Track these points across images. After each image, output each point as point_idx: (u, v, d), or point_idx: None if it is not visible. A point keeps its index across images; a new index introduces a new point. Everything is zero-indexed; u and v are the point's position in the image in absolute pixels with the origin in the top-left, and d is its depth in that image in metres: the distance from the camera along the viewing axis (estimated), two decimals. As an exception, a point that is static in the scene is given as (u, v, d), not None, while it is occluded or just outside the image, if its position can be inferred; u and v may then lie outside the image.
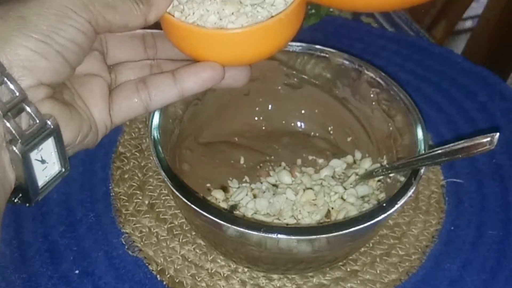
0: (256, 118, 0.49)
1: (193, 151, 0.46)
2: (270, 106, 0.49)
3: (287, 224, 0.40)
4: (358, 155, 0.47)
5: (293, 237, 0.34)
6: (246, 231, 0.34)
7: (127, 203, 0.45)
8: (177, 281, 0.41)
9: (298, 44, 0.45)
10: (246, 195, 0.42)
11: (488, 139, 0.32)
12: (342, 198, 0.42)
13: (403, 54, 0.61)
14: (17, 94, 0.28)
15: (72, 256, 0.42)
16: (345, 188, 0.43)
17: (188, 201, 0.35)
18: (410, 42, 0.63)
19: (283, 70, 0.47)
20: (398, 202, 0.35)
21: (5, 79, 0.27)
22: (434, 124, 0.53)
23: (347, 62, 0.45)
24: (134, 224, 0.44)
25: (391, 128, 0.43)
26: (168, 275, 0.41)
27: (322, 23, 0.63)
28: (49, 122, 0.29)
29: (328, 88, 0.47)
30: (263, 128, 0.49)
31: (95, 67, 0.34)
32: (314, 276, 0.41)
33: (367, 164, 0.45)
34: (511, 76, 0.84)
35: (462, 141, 0.34)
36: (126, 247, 0.43)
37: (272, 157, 0.47)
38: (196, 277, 0.41)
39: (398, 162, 0.40)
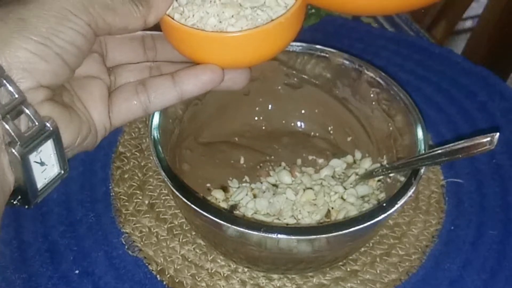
0: (256, 118, 0.49)
1: (193, 151, 0.46)
2: (270, 106, 0.49)
3: (287, 224, 0.40)
4: (358, 155, 0.47)
5: (293, 237, 0.34)
6: (246, 231, 0.34)
7: (127, 203, 0.45)
8: (177, 281, 0.41)
9: (298, 44, 0.45)
10: (246, 195, 0.42)
11: (488, 139, 0.32)
12: (342, 198, 0.42)
13: (403, 54, 0.61)
14: (16, 96, 0.28)
15: (72, 256, 0.42)
16: (345, 188, 0.43)
17: (188, 201, 0.35)
18: (410, 42, 0.63)
19: (283, 70, 0.47)
20: (398, 202, 0.35)
21: (4, 81, 0.27)
22: (434, 124, 0.53)
23: (347, 62, 0.45)
24: (134, 224, 0.44)
25: (391, 128, 0.43)
26: (168, 275, 0.41)
27: (322, 23, 0.63)
28: (48, 124, 0.29)
29: (328, 88, 0.47)
30: (263, 128, 0.49)
31: (95, 69, 0.34)
32: (314, 276, 0.41)
33: (367, 164, 0.45)
34: (511, 76, 0.84)
35: (462, 141, 0.34)
36: (126, 247, 0.43)
37: (272, 157, 0.47)
38: (196, 277, 0.41)
39: (398, 162, 0.40)
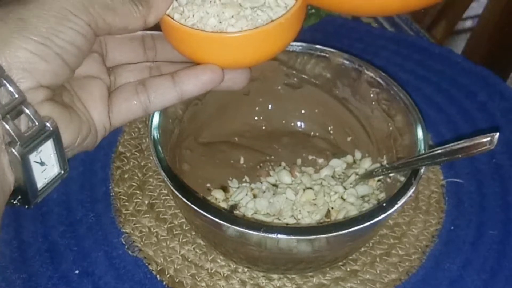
0: (256, 118, 0.49)
1: (193, 151, 0.46)
2: (270, 106, 0.49)
3: (287, 224, 0.40)
4: (358, 155, 0.47)
5: (293, 237, 0.34)
6: (246, 231, 0.34)
7: (127, 203, 0.45)
8: (177, 281, 0.41)
9: (298, 44, 0.45)
10: (246, 195, 0.42)
11: (488, 139, 0.32)
12: (342, 198, 0.42)
13: (403, 54, 0.61)
14: (16, 96, 0.28)
15: (72, 256, 0.42)
16: (345, 188, 0.43)
17: (188, 201, 0.35)
18: (410, 42, 0.63)
19: (283, 70, 0.47)
20: (398, 202, 0.35)
21: (4, 81, 0.27)
22: (434, 124, 0.53)
23: (347, 62, 0.45)
24: (134, 224, 0.44)
25: (391, 128, 0.43)
26: (168, 275, 0.41)
27: (322, 23, 0.63)
28: (48, 124, 0.29)
29: (328, 88, 0.47)
30: (263, 128, 0.49)
31: (95, 69, 0.34)
32: (314, 276, 0.41)
33: (367, 164, 0.45)
34: (511, 76, 0.84)
35: (462, 141, 0.34)
36: (126, 247, 0.43)
37: (272, 157, 0.47)
38: (196, 277, 0.41)
39: (398, 162, 0.40)
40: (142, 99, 0.34)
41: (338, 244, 0.38)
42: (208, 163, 0.46)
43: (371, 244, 0.43)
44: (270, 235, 0.34)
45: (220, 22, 0.33)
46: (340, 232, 0.34)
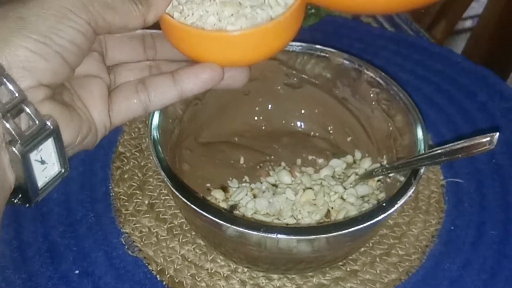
0: (256, 118, 0.49)
1: (193, 151, 0.46)
2: (270, 106, 0.49)
3: (287, 224, 0.40)
4: (358, 155, 0.47)
5: (293, 237, 0.34)
6: (246, 231, 0.34)
7: (127, 203, 0.45)
8: (177, 281, 0.41)
9: (298, 44, 0.45)
10: (246, 195, 0.42)
11: (488, 139, 0.32)
12: (342, 198, 0.42)
13: (403, 54, 0.61)
14: (17, 95, 0.28)
15: (72, 256, 0.42)
16: (345, 188, 0.43)
17: (188, 201, 0.35)
18: (410, 42, 0.63)
19: (283, 70, 0.47)
20: (398, 202, 0.35)
21: (5, 80, 0.27)
22: (434, 124, 0.53)
23: (347, 62, 0.45)
24: (134, 224, 0.44)
25: (391, 128, 0.43)
26: (168, 275, 0.41)
27: (322, 23, 0.63)
28: (48, 123, 0.29)
29: (328, 88, 0.47)
30: (263, 128, 0.49)
31: (94, 68, 0.34)
32: (314, 276, 0.41)
33: (367, 164, 0.45)
34: (511, 76, 0.84)
35: (462, 141, 0.34)
36: (126, 247, 0.43)
37: (272, 157, 0.47)
38: (196, 277, 0.41)
39: (398, 162, 0.40)
40: (142, 98, 0.34)
41: (338, 244, 0.38)
42: (208, 163, 0.46)
43: (371, 244, 0.43)
44: (270, 235, 0.34)
45: (220, 21, 0.33)
46: (340, 232, 0.34)
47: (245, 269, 0.42)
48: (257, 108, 0.49)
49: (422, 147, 0.39)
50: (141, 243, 0.43)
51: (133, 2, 0.32)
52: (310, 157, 0.48)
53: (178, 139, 0.44)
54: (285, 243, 0.35)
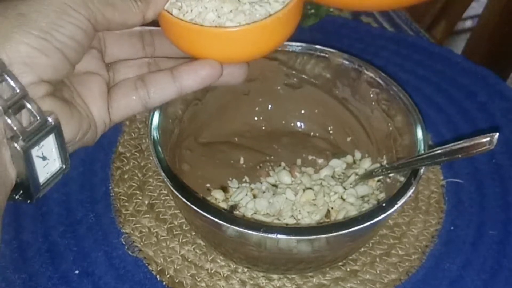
0: (256, 118, 0.49)
1: (193, 151, 0.46)
2: (270, 106, 0.49)
3: (287, 224, 0.40)
4: (358, 155, 0.47)
5: (293, 237, 0.34)
6: (246, 231, 0.34)
7: (127, 203, 0.45)
8: (177, 281, 0.41)
9: (298, 44, 0.45)
10: (246, 195, 0.42)
11: (488, 139, 0.32)
12: (342, 198, 0.42)
13: (403, 54, 0.61)
14: (18, 91, 0.28)
15: (72, 256, 0.42)
16: (345, 188, 0.43)
17: (188, 201, 0.35)
18: (410, 42, 0.63)
19: (283, 70, 0.47)
20: (398, 202, 0.35)
21: (6, 76, 0.27)
22: (434, 124, 0.53)
23: (347, 62, 0.45)
24: (134, 224, 0.44)
25: (391, 128, 0.43)
26: (168, 275, 0.41)
27: (322, 23, 0.63)
28: (49, 119, 0.29)
29: (328, 88, 0.47)
30: (263, 128, 0.49)
31: (94, 65, 0.34)
32: (314, 276, 0.41)
33: (367, 164, 0.45)
34: (511, 76, 0.84)
35: (462, 141, 0.34)
36: (126, 247, 0.43)
37: (272, 157, 0.47)
38: (196, 277, 0.41)
39: (398, 162, 0.40)
40: (141, 95, 0.35)
41: (338, 244, 0.38)
42: (208, 163, 0.46)
43: (371, 244, 0.43)
44: (270, 235, 0.34)
45: (219, 17, 0.33)
46: (340, 232, 0.34)
47: (245, 269, 0.42)
48: (257, 108, 0.49)
49: (422, 147, 0.39)
50: (141, 243, 0.43)
51: None
52: (310, 157, 0.48)
53: (178, 139, 0.44)
54: (285, 243, 0.35)
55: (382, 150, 0.45)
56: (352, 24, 0.65)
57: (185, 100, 0.44)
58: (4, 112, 0.28)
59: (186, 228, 0.44)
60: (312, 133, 0.49)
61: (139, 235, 0.43)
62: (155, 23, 0.35)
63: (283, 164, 0.47)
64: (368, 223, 0.34)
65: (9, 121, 0.28)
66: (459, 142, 0.34)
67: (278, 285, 0.41)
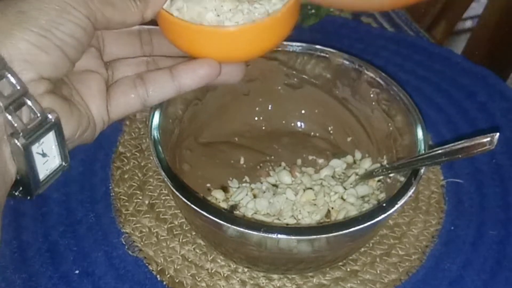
0: (256, 118, 0.49)
1: (193, 151, 0.46)
2: (270, 106, 0.49)
3: (287, 224, 0.40)
4: (358, 155, 0.47)
5: (293, 237, 0.34)
6: (246, 231, 0.34)
7: (127, 203, 0.45)
8: (177, 281, 0.41)
9: (298, 44, 0.45)
10: (246, 195, 0.42)
11: (488, 139, 0.32)
12: (342, 198, 0.42)
13: (403, 54, 0.61)
14: (18, 88, 0.28)
15: (72, 256, 0.42)
16: (345, 188, 0.43)
17: (188, 201, 0.35)
18: (410, 42, 0.63)
19: (283, 70, 0.47)
20: (398, 202, 0.35)
21: (7, 72, 0.27)
22: (434, 124, 0.53)
23: (347, 62, 0.45)
24: (134, 224, 0.44)
25: (391, 128, 0.43)
26: (168, 275, 0.41)
27: (322, 23, 0.63)
28: (50, 116, 0.29)
29: (328, 88, 0.47)
30: (263, 128, 0.49)
31: (92, 63, 0.34)
32: (314, 276, 0.41)
33: (367, 164, 0.45)
34: (511, 76, 0.84)
35: (462, 141, 0.34)
36: (126, 247, 0.43)
37: (272, 157, 0.47)
38: (196, 277, 0.41)
39: (398, 162, 0.40)
40: (140, 93, 0.35)
41: (338, 244, 0.38)
42: (208, 163, 0.46)
43: (371, 244, 0.43)
44: (270, 235, 0.34)
45: (218, 16, 0.33)
46: (340, 232, 0.34)
47: (245, 269, 0.42)
48: (257, 108, 0.49)
49: (422, 147, 0.39)
50: (141, 243, 0.43)
51: None
52: (310, 157, 0.48)
53: (178, 139, 0.44)
54: (286, 243, 0.35)
55: (383, 150, 0.45)
56: (352, 24, 0.65)
57: (185, 100, 0.44)
58: (5, 109, 0.28)
59: (186, 228, 0.44)
60: (312, 133, 0.49)
61: (139, 235, 0.43)
62: (153, 22, 0.35)
63: (283, 164, 0.47)
64: (368, 223, 0.34)
65: (9, 117, 0.28)
66: (459, 142, 0.34)
67: (278, 285, 0.41)
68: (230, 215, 0.37)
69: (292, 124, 0.49)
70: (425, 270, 0.42)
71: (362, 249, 0.43)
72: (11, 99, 0.28)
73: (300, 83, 0.48)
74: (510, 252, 0.44)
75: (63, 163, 0.32)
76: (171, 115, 0.42)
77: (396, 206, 0.35)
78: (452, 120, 0.54)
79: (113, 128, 0.36)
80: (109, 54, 0.36)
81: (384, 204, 0.35)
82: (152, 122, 0.39)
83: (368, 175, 0.43)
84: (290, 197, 0.42)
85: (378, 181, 0.44)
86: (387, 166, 0.43)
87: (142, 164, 0.48)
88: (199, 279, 0.41)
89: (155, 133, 0.39)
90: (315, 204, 0.41)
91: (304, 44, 0.45)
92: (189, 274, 0.41)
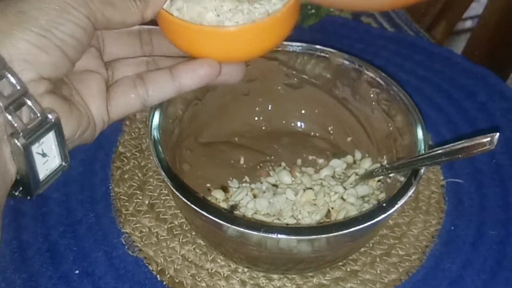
0: (256, 118, 0.49)
1: (193, 151, 0.46)
2: (270, 106, 0.49)
3: (287, 224, 0.40)
4: (358, 155, 0.47)
5: (293, 237, 0.34)
6: (246, 231, 0.34)
7: (127, 203, 0.45)
8: (177, 281, 0.41)
9: (298, 44, 0.45)
10: (246, 195, 0.42)
11: (488, 139, 0.32)
12: (342, 198, 0.42)
13: (403, 54, 0.61)
14: (19, 88, 0.28)
15: (72, 256, 0.42)
16: (345, 188, 0.43)
17: (188, 201, 0.35)
18: (410, 42, 0.63)
19: (283, 70, 0.47)
20: (398, 202, 0.35)
21: (7, 72, 0.27)
22: (434, 124, 0.53)
23: (347, 62, 0.45)
24: (134, 224, 0.44)
25: (391, 128, 0.43)
26: (168, 275, 0.41)
27: (322, 23, 0.63)
28: (50, 116, 0.29)
29: (328, 88, 0.47)
30: (263, 128, 0.49)
31: (92, 63, 0.34)
32: (314, 276, 0.41)
33: (367, 164, 0.45)
34: (511, 76, 0.84)
35: (462, 141, 0.34)
36: (126, 247, 0.43)
37: (272, 157, 0.47)
38: (196, 277, 0.41)
39: (398, 162, 0.40)
40: (140, 93, 0.35)
41: (338, 244, 0.38)
42: (208, 163, 0.46)
43: (371, 244, 0.43)
44: (270, 235, 0.34)
45: (218, 16, 0.33)
46: (340, 232, 0.34)
47: (245, 269, 0.42)
48: (257, 108, 0.49)
49: (422, 147, 0.39)
50: (141, 243, 0.43)
51: None
52: (310, 157, 0.48)
53: (178, 139, 0.44)
54: (286, 243, 0.35)
55: (382, 150, 0.45)
56: (352, 24, 0.65)
57: (185, 100, 0.44)
58: (5, 109, 0.28)
59: (186, 228, 0.44)
60: (312, 133, 0.49)
61: (139, 235, 0.43)
62: (153, 22, 0.35)
63: (283, 164, 0.47)
64: (368, 223, 0.34)
65: (9, 117, 0.28)
66: (459, 142, 0.34)
67: (278, 285, 0.41)
68: (230, 215, 0.37)
69: (292, 124, 0.49)
70: (425, 270, 0.42)
71: (362, 249, 0.43)
72: (11, 99, 0.28)
73: (300, 83, 0.48)
74: (510, 252, 0.44)
75: (63, 163, 0.32)
76: (171, 115, 0.42)
77: (396, 206, 0.35)
78: (452, 120, 0.54)
79: (113, 128, 0.36)
80: (109, 54, 0.36)
81: (384, 204, 0.35)
82: (152, 122, 0.39)
83: (368, 175, 0.43)
84: (290, 197, 0.42)
85: (378, 181, 0.44)
86: (387, 166, 0.43)
87: (142, 164, 0.48)
88: (199, 279, 0.41)
89: (155, 133, 0.39)
90: (315, 204, 0.41)
91: (304, 44, 0.45)
92: (189, 274, 0.41)
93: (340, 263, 0.42)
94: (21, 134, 0.28)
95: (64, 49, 0.30)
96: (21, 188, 0.31)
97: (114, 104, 0.34)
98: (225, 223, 0.34)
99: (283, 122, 0.49)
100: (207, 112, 0.47)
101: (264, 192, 0.43)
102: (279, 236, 0.34)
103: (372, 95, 0.44)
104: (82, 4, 0.30)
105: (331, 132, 0.49)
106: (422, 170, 0.37)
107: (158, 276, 0.41)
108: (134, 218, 0.44)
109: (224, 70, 0.35)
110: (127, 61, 0.36)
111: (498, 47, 0.84)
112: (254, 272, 0.41)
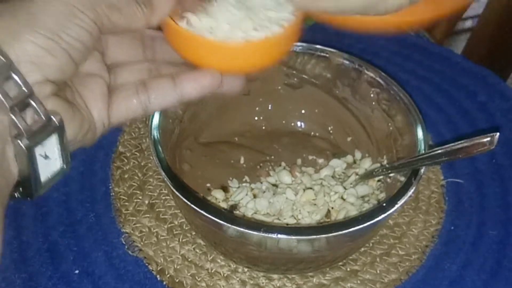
0: (256, 118, 0.49)
1: (193, 151, 0.46)
2: (270, 106, 0.49)
3: (287, 224, 0.40)
4: (358, 155, 0.47)
5: (293, 237, 0.34)
6: (246, 231, 0.34)
7: (127, 203, 0.45)
8: (177, 281, 0.41)
9: (298, 44, 0.45)
10: (246, 195, 0.42)
11: (488, 139, 0.32)
12: (342, 198, 0.42)
13: (403, 54, 0.61)
14: (24, 89, 0.28)
15: (72, 256, 0.42)
16: (345, 188, 0.43)
17: (188, 201, 0.35)
18: (410, 42, 0.63)
19: (283, 70, 0.47)
20: (398, 202, 0.35)
21: (13, 74, 0.28)
22: (434, 124, 0.53)
23: (347, 62, 0.45)
24: (134, 224, 0.44)
25: (391, 128, 0.43)
26: (168, 275, 0.41)
27: (322, 23, 0.63)
28: (54, 119, 0.29)
29: (328, 88, 0.47)
30: (263, 128, 0.49)
31: (95, 67, 0.34)
32: (314, 276, 0.41)
33: (367, 164, 0.45)
34: (511, 76, 0.84)
35: (462, 141, 0.34)
36: (126, 247, 0.43)
37: (272, 157, 0.47)
38: (196, 277, 0.41)
39: (398, 162, 0.40)
40: (142, 99, 0.35)
41: (338, 244, 0.38)
42: (208, 163, 0.46)
43: (371, 244, 0.43)
44: (270, 235, 0.34)
45: (226, 29, 0.33)
46: (340, 232, 0.34)
47: (245, 269, 0.42)
48: (257, 108, 0.49)
49: (422, 147, 0.39)
50: (141, 243, 0.43)
51: (138, 4, 0.32)
52: (310, 157, 0.48)
53: (178, 139, 0.44)
54: (286, 243, 0.35)
55: (383, 150, 0.45)
56: (352, 24, 0.65)
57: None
58: (10, 110, 0.28)
59: (186, 228, 0.44)
60: (312, 133, 0.49)
61: (139, 235, 0.43)
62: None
63: (283, 164, 0.47)
64: (368, 223, 0.34)
65: (14, 118, 0.28)
66: (459, 142, 0.34)
67: (278, 285, 0.41)
68: (230, 215, 0.37)
69: (292, 124, 0.49)
70: (425, 270, 0.42)
71: (362, 249, 0.43)
72: (16, 100, 0.28)
73: (300, 83, 0.48)
74: (510, 252, 0.44)
75: (64, 166, 0.32)
76: (171, 115, 0.42)
77: (396, 206, 0.35)
78: (452, 120, 0.54)
79: (113, 128, 0.35)
80: (111, 57, 0.36)
81: (384, 204, 0.35)
82: (152, 122, 0.39)
83: (368, 175, 0.43)
84: (290, 197, 0.42)
85: (378, 181, 0.44)
86: (387, 166, 0.43)
87: (142, 164, 0.48)
88: (199, 279, 0.41)
89: (155, 133, 0.39)
90: (315, 204, 0.41)
91: (304, 44, 0.45)
92: (189, 274, 0.41)
93: (340, 263, 0.42)
94: (25, 135, 0.28)
95: (71, 52, 0.30)
96: (21, 189, 0.31)
97: (116, 108, 0.34)
98: (225, 223, 0.34)
99: (283, 122, 0.49)
100: (207, 112, 0.47)
101: (264, 192, 0.43)
102: (279, 236, 0.34)
103: (372, 95, 0.44)
104: (89, 8, 0.30)
105: (331, 132, 0.49)
106: (422, 170, 0.37)
107: (158, 276, 0.41)
108: (134, 218, 0.44)
109: (225, 81, 0.35)
110: (130, 66, 0.37)
111: (498, 47, 0.84)
112: (254, 272, 0.41)
